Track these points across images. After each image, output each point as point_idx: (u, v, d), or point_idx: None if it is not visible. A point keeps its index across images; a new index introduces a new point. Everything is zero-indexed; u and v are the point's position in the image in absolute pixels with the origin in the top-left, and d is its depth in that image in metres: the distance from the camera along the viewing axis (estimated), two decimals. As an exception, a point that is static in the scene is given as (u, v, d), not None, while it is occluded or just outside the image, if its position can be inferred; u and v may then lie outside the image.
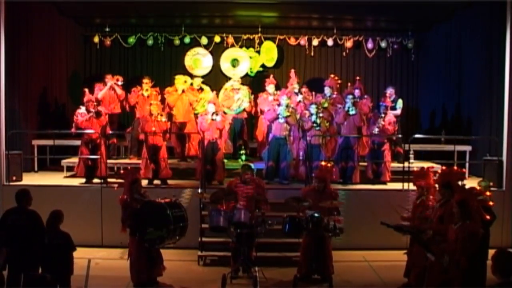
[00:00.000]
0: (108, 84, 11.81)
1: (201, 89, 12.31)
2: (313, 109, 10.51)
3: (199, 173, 10.13)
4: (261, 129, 12.04)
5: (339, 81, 12.45)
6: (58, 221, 6.67)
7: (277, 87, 12.24)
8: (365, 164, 10.86)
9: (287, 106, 10.45)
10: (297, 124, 10.76)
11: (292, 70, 12.67)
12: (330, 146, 10.92)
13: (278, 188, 10.06)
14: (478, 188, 7.47)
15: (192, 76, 12.87)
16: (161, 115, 10.31)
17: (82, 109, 10.49)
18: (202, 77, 13.20)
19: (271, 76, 12.41)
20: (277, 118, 10.41)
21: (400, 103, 12.08)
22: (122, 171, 8.45)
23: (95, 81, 12.44)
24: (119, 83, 12.04)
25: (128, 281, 7.76)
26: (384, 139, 10.70)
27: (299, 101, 11.55)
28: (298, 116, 10.82)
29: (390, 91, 12.03)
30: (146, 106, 11.49)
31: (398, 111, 11.98)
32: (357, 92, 11.72)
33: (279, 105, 10.57)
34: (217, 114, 10.36)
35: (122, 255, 8.61)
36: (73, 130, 10.61)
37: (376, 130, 10.56)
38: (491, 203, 7.34)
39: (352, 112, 10.61)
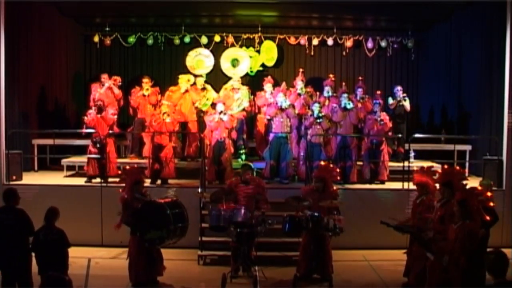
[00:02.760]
0: (105, 85, 11.78)
1: (203, 89, 12.31)
2: (316, 108, 10.53)
3: (208, 173, 10.14)
4: (259, 128, 12.07)
5: (333, 78, 12.47)
6: (54, 218, 6.69)
7: (275, 87, 12.22)
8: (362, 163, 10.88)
9: (285, 101, 10.51)
10: (297, 117, 10.89)
11: (301, 69, 12.67)
12: (332, 145, 10.95)
13: (278, 187, 10.06)
14: (479, 188, 7.48)
15: (194, 76, 12.86)
16: (168, 115, 10.31)
17: (91, 111, 10.57)
18: (202, 76, 13.17)
19: (269, 76, 12.44)
20: (280, 110, 10.40)
21: (407, 101, 12.18)
22: (127, 167, 8.42)
23: (94, 81, 12.43)
24: (119, 84, 12.05)
25: (129, 281, 7.76)
26: (382, 138, 10.72)
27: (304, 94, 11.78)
28: (296, 111, 10.91)
29: (399, 88, 12.20)
30: (147, 105, 11.51)
31: (408, 106, 12.11)
32: (360, 91, 11.77)
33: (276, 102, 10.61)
34: (224, 114, 10.38)
35: (122, 254, 8.61)
36: (83, 130, 10.66)
37: (380, 117, 10.62)
38: (492, 204, 7.34)
39: (349, 106, 10.61)
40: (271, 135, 10.68)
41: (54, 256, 6.54)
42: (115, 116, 10.88)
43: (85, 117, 10.54)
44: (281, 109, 10.46)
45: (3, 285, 6.62)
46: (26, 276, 6.64)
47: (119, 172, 10.04)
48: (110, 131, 10.59)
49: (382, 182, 10.65)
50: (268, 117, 10.81)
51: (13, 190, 6.97)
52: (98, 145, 10.35)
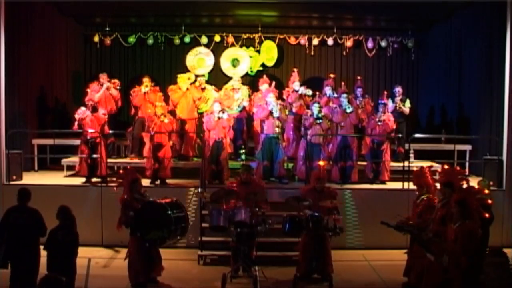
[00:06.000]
0: (104, 86, 11.77)
1: (203, 88, 12.30)
2: (315, 108, 10.52)
3: (205, 172, 10.13)
4: (256, 128, 12.09)
5: (331, 76, 12.49)
6: (70, 218, 6.71)
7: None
8: (364, 163, 10.89)
9: (276, 103, 10.47)
10: (287, 119, 10.89)
11: (295, 69, 12.70)
12: (333, 145, 10.96)
13: (278, 187, 10.07)
14: (477, 186, 7.48)
15: (195, 75, 12.86)
16: (165, 115, 10.31)
17: (83, 108, 10.54)
18: (203, 75, 13.17)
19: (264, 76, 12.44)
20: (270, 114, 10.37)
21: (408, 102, 12.12)
22: (121, 171, 8.45)
23: (91, 81, 12.41)
24: (118, 87, 12.03)
25: (128, 281, 7.76)
26: (383, 138, 10.71)
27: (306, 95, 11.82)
28: (287, 111, 10.92)
29: (398, 90, 12.12)
30: (147, 105, 11.49)
31: (407, 110, 12.02)
32: (359, 91, 11.76)
33: (266, 103, 10.55)
34: (223, 112, 10.37)
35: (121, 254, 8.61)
36: (74, 127, 10.64)
37: (380, 117, 10.58)
38: (489, 201, 7.34)
39: (348, 110, 10.61)
40: (262, 136, 10.65)
41: (67, 256, 6.57)
42: (106, 116, 10.85)
43: (76, 115, 10.48)
44: (271, 113, 10.42)
45: (11, 284, 6.65)
46: (32, 275, 6.65)
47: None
48: (110, 131, 10.58)
49: (383, 182, 10.64)
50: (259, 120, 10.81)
51: (26, 189, 7.00)
52: (89, 145, 10.33)
